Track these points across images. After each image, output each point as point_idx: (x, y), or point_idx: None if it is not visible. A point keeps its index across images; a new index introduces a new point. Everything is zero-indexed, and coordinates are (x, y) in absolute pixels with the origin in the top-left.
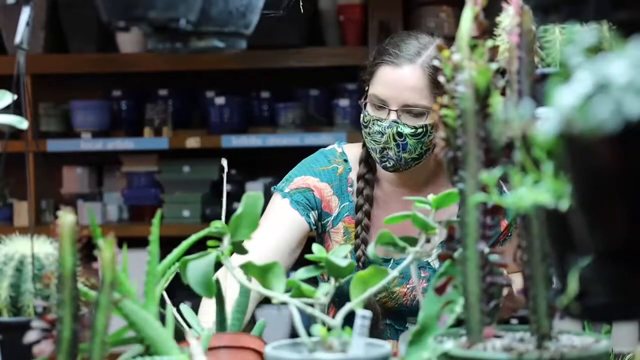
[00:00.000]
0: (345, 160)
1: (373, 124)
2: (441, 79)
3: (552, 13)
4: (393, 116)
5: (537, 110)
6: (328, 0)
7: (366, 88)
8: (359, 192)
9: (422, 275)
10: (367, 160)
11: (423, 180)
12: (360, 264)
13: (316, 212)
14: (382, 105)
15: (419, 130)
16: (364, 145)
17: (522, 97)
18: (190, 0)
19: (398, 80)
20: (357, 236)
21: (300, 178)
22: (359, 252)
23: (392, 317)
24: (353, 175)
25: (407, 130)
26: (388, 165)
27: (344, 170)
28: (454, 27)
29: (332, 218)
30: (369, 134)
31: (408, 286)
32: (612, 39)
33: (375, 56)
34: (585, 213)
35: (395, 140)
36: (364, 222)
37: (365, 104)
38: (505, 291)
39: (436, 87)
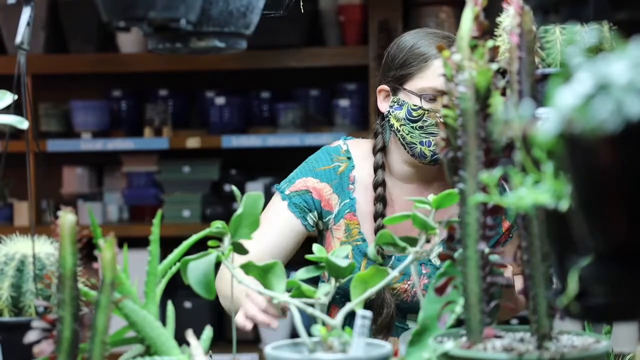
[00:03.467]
0: (349, 158)
1: (429, 116)
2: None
3: (552, 13)
4: (436, 102)
5: (538, 110)
6: (328, 0)
7: (398, 86)
8: (377, 185)
9: (423, 272)
10: (382, 150)
11: (433, 175)
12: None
13: (315, 212)
14: (434, 97)
15: None
16: (376, 136)
17: (522, 97)
18: (190, 1)
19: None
20: (379, 253)
21: (300, 180)
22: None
23: None
24: (356, 173)
25: None
26: (435, 152)
27: (346, 168)
28: (454, 27)
29: (333, 215)
30: (420, 127)
31: (409, 282)
32: (612, 39)
33: (417, 52)
34: (585, 213)
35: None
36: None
37: (400, 100)
38: (507, 292)
39: None
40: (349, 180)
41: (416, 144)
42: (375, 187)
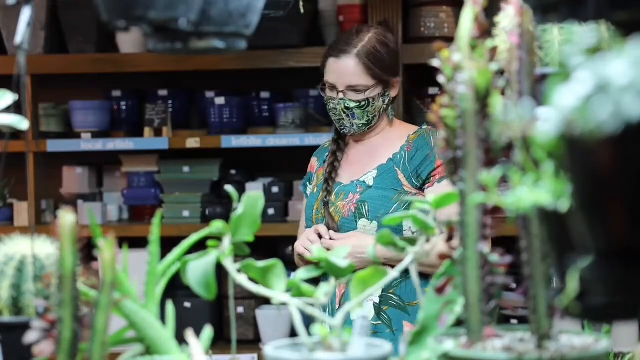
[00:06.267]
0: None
1: (329, 103)
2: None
3: (551, 13)
4: (341, 95)
5: (537, 110)
6: (328, 0)
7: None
8: (332, 152)
9: (358, 190)
10: (337, 129)
11: (376, 135)
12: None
13: (309, 180)
14: (332, 87)
15: (362, 103)
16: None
17: (522, 97)
18: (190, 0)
19: (340, 68)
20: (326, 181)
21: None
22: (326, 186)
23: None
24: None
25: (352, 105)
26: (346, 131)
27: (330, 144)
28: (454, 27)
29: (314, 173)
30: (329, 110)
31: (346, 200)
32: (612, 39)
33: (325, 51)
34: (585, 213)
35: (345, 112)
36: (334, 166)
37: (323, 89)
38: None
39: (372, 68)
40: (329, 150)
41: (335, 122)
42: (330, 154)
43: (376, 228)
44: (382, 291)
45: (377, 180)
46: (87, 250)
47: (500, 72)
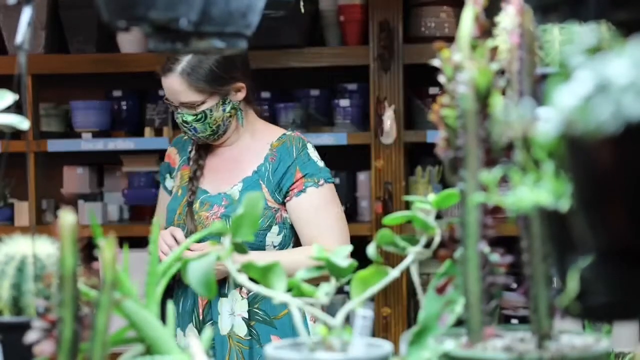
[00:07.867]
0: None
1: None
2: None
3: (551, 13)
4: (179, 110)
5: (538, 110)
6: (328, 0)
7: None
8: (196, 148)
9: (223, 203)
10: None
11: (235, 142)
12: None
13: (169, 172)
14: (170, 103)
15: (199, 117)
16: None
17: (522, 97)
18: (191, 0)
19: (167, 86)
20: (191, 180)
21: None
22: (190, 186)
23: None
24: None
25: (189, 118)
26: (195, 140)
27: (190, 137)
28: (454, 27)
29: (176, 169)
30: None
31: (211, 212)
32: (612, 39)
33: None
34: (586, 213)
35: (184, 126)
36: (199, 165)
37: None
38: None
39: (198, 85)
40: (190, 143)
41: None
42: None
43: None
44: (249, 306)
45: (242, 194)
46: (87, 250)
47: (501, 72)
